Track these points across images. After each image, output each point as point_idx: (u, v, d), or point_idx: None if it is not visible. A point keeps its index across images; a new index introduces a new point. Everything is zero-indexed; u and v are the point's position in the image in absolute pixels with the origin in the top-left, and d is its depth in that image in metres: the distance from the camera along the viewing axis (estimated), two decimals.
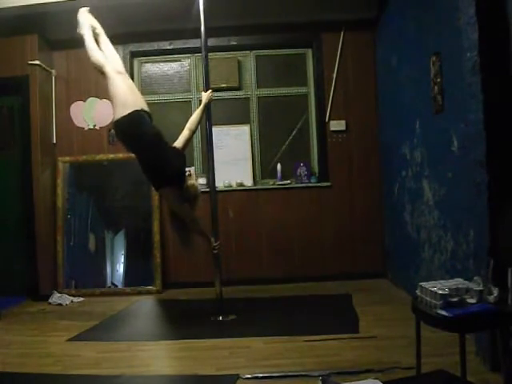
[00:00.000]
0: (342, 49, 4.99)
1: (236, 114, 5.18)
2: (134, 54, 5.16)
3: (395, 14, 4.27)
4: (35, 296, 4.60)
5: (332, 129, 4.99)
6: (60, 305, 4.41)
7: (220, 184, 4.77)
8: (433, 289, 2.01)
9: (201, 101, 3.88)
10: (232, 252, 4.81)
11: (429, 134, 3.55)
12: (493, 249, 2.39)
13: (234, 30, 5.00)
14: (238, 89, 5.17)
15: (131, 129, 3.36)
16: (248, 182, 5.05)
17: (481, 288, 2.02)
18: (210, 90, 3.82)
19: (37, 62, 4.69)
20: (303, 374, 2.48)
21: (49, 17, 4.55)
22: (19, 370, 2.75)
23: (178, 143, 3.58)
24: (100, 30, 3.63)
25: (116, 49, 5.01)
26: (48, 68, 4.91)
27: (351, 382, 2.30)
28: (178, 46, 5.11)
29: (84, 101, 5.07)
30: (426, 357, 2.29)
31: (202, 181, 4.87)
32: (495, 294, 1.97)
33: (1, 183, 4.91)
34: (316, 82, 5.08)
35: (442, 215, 3.32)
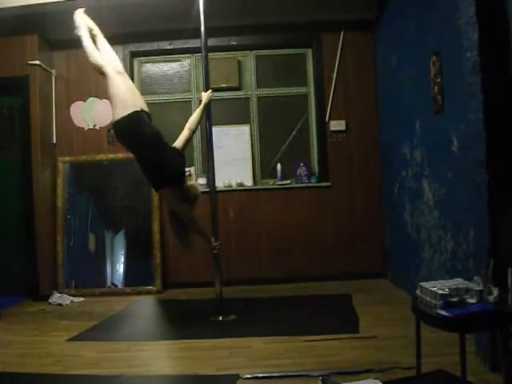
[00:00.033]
0: (342, 49, 4.99)
1: (236, 114, 5.18)
2: (134, 54, 5.16)
3: (395, 14, 4.27)
4: (35, 296, 4.60)
5: (332, 129, 4.99)
6: (60, 305, 4.41)
7: (220, 184, 4.77)
8: (433, 289, 2.01)
9: (201, 101, 3.88)
10: (232, 252, 4.81)
11: (429, 134, 3.55)
12: (493, 249, 2.39)
13: (234, 30, 5.01)
14: (238, 89, 5.17)
15: (130, 129, 3.36)
16: (248, 182, 5.05)
17: (481, 288, 2.02)
18: (210, 90, 3.82)
19: (37, 62, 4.69)
20: (303, 374, 2.48)
21: (49, 17, 4.55)
22: (19, 370, 2.74)
23: (178, 143, 3.58)
24: (97, 31, 3.62)
25: (116, 49, 5.03)
26: (48, 68, 4.91)
27: (351, 382, 2.30)
28: (178, 46, 5.11)
29: (84, 101, 5.07)
30: (426, 357, 2.29)
31: (202, 181, 4.88)
32: (495, 294, 1.97)
33: (1, 183, 4.91)
34: (316, 82, 5.08)
35: (441, 215, 3.32)
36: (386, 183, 4.80)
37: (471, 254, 2.77)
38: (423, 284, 2.11)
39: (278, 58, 5.24)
